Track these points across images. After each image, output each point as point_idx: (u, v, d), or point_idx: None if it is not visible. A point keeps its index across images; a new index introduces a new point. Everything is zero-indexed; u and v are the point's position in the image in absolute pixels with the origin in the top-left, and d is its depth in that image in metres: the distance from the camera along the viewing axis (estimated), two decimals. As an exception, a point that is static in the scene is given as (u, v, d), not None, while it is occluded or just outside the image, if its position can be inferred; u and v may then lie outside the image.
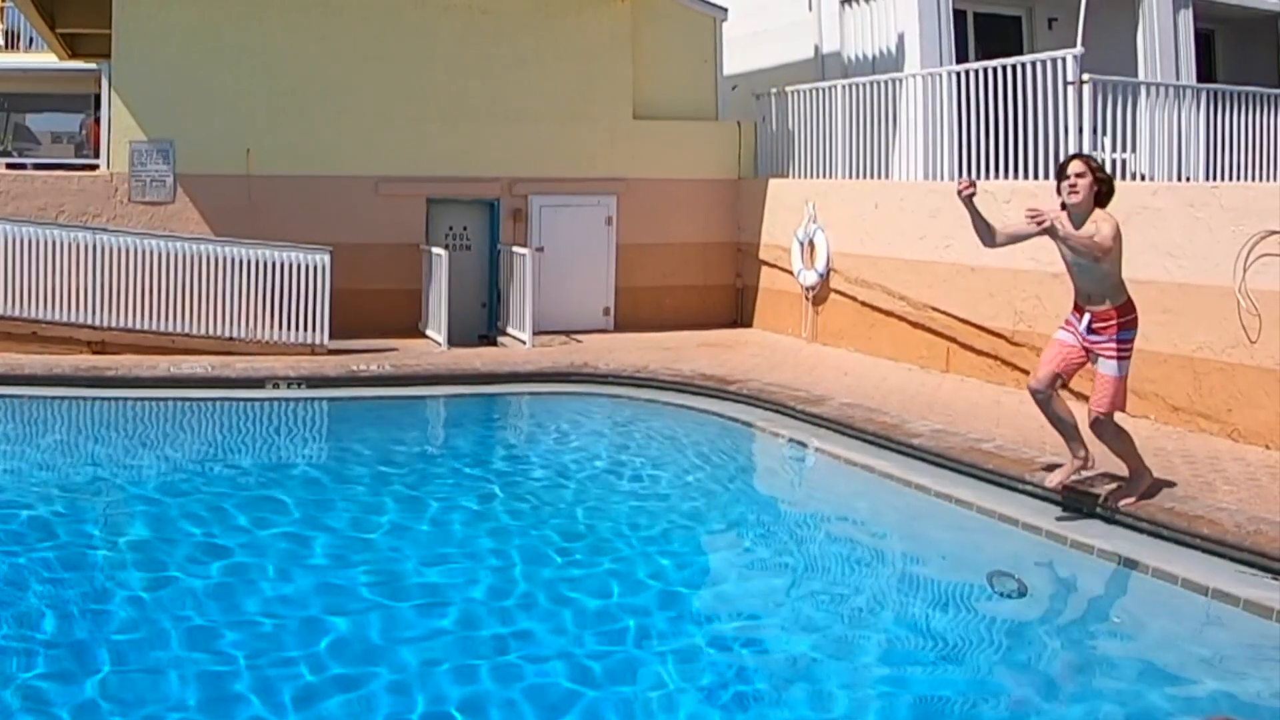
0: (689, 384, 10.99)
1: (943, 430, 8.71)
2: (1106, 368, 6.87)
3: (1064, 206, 6.95)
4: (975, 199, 7.02)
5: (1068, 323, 7.13)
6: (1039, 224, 6.57)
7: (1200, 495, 7.02)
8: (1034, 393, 7.09)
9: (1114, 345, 6.86)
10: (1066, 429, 7.08)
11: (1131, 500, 6.88)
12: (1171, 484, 7.20)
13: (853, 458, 8.68)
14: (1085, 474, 7.18)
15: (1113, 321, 6.87)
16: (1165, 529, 6.55)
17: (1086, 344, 6.96)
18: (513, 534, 7.38)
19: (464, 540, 7.25)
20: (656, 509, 8.05)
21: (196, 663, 5.31)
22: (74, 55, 18.03)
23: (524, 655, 5.51)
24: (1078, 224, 6.85)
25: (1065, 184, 6.91)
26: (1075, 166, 6.94)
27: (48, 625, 5.68)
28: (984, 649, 5.82)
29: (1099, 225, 6.80)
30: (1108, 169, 7.57)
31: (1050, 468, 7.47)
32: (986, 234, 7.23)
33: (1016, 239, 7.39)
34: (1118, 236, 6.80)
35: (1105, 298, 6.90)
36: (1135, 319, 6.95)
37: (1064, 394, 7.27)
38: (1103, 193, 6.93)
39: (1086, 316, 6.95)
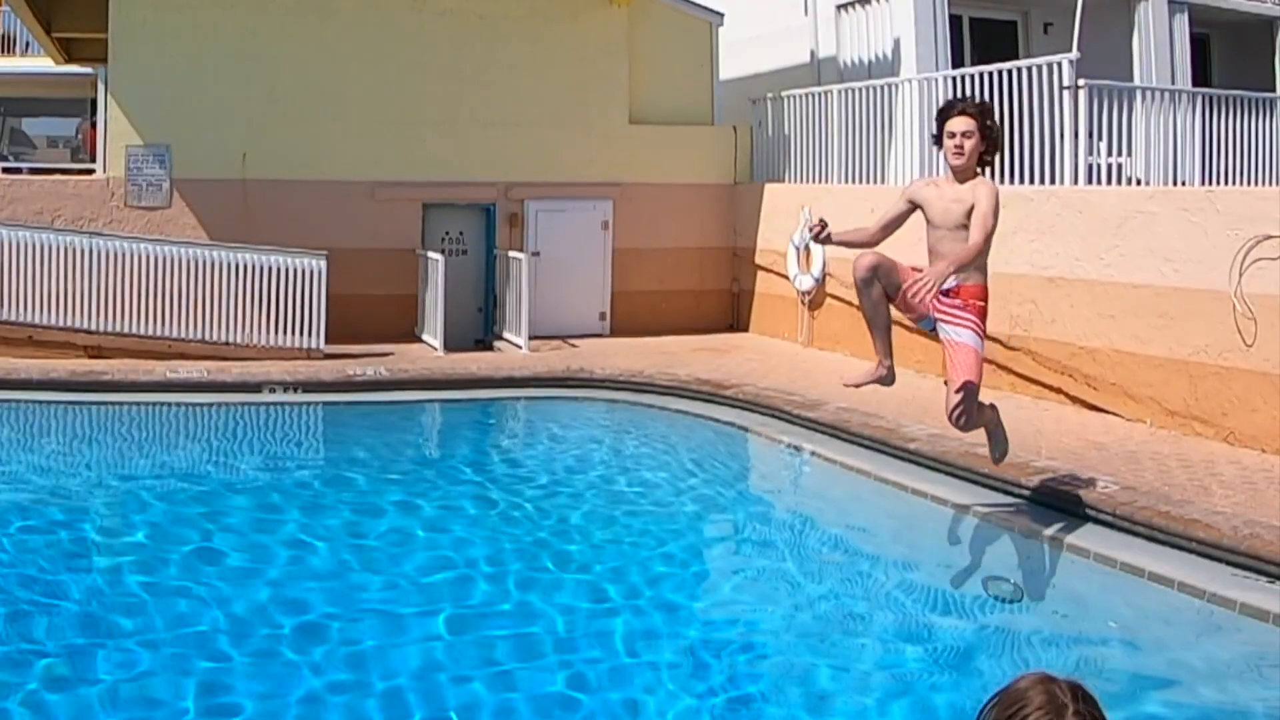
0: (685, 389, 10.99)
1: (939, 434, 8.69)
2: (965, 337, 6.22)
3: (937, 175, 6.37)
4: (829, 229, 6.33)
5: None
6: (913, 293, 5.86)
7: (1196, 499, 7.02)
8: (861, 269, 6.21)
9: (973, 320, 6.24)
10: (880, 325, 6.37)
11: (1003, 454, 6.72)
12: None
13: (849, 462, 8.68)
14: (883, 385, 6.65)
15: (973, 301, 6.26)
16: (1161, 533, 6.54)
17: (935, 304, 6.24)
18: (509, 539, 7.37)
19: (459, 545, 7.24)
20: (652, 513, 8.04)
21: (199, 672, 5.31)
22: (70, 60, 18.03)
23: (516, 662, 5.51)
24: (960, 184, 6.21)
25: (950, 142, 6.12)
26: (961, 124, 6.13)
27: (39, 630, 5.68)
28: (980, 652, 5.82)
29: (976, 194, 6.07)
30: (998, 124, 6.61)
31: (1043, 472, 7.47)
32: (861, 243, 6.55)
33: (890, 229, 6.56)
34: (997, 210, 6.08)
35: (968, 273, 6.21)
36: (988, 306, 6.40)
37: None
38: (988, 150, 6.22)
39: (949, 282, 6.21)
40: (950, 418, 6.24)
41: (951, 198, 6.18)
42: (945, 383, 6.32)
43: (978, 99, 6.50)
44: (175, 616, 5.93)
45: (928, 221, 6.30)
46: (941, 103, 11.90)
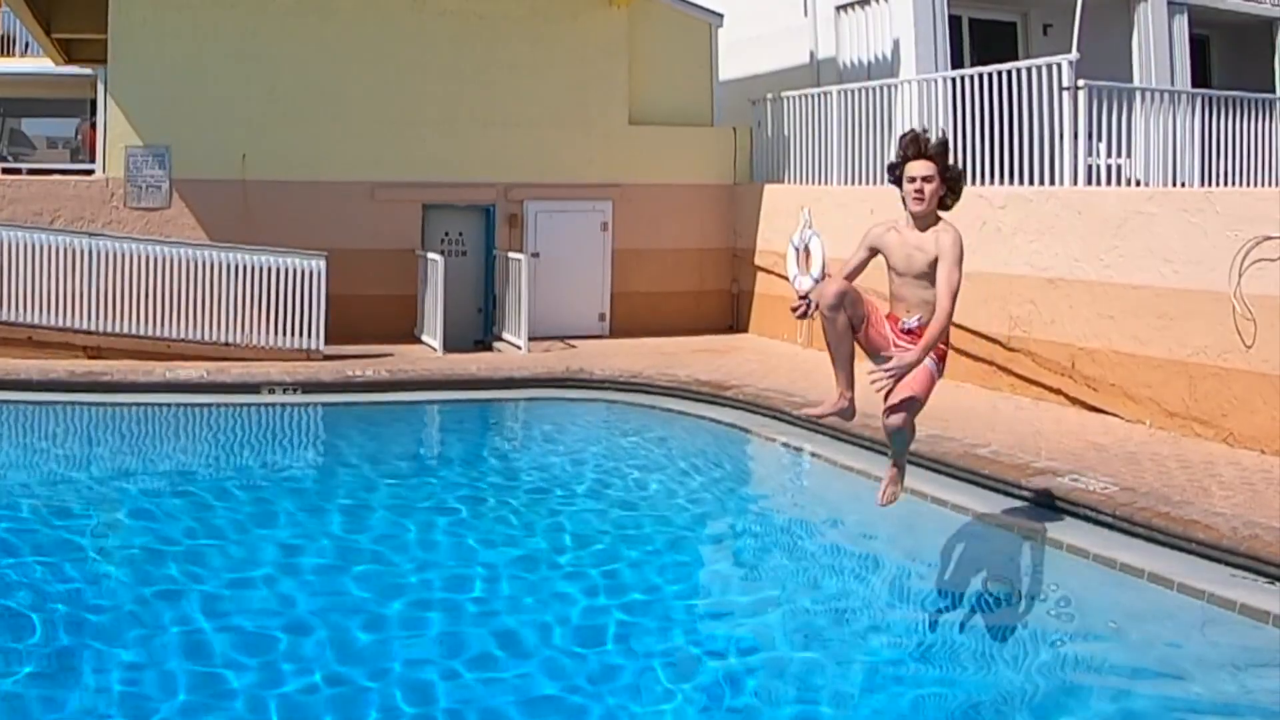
0: (684, 389, 10.99)
1: (938, 436, 8.69)
2: (924, 361, 5.88)
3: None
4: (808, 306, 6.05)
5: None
6: (879, 385, 5.73)
7: (1196, 500, 7.03)
8: (828, 296, 5.88)
9: (932, 355, 5.93)
10: (843, 357, 6.08)
11: (894, 494, 6.37)
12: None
13: (848, 463, 8.67)
14: (844, 419, 6.37)
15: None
16: (1161, 533, 6.55)
17: (896, 339, 6.01)
18: (508, 540, 7.37)
19: (457, 547, 7.24)
20: (651, 515, 8.04)
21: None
22: (70, 60, 18.02)
23: (508, 663, 5.51)
24: (921, 229, 5.94)
25: (910, 187, 5.84)
26: (921, 168, 5.82)
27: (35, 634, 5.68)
28: (980, 654, 5.82)
29: (940, 244, 5.83)
30: (958, 165, 6.08)
31: (1043, 474, 7.47)
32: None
33: (855, 276, 6.21)
34: (962, 261, 5.82)
35: (929, 315, 5.92)
36: (948, 350, 6.13)
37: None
38: (949, 193, 5.92)
39: (910, 322, 6.04)
40: (885, 414, 5.99)
41: (914, 245, 5.93)
42: (885, 395, 6.00)
43: (936, 137, 6.05)
44: (173, 615, 5.93)
45: (890, 267, 6.09)
46: (943, 104, 12.10)
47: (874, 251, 6.16)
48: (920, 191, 5.82)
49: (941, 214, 5.97)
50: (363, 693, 5.14)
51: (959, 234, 5.87)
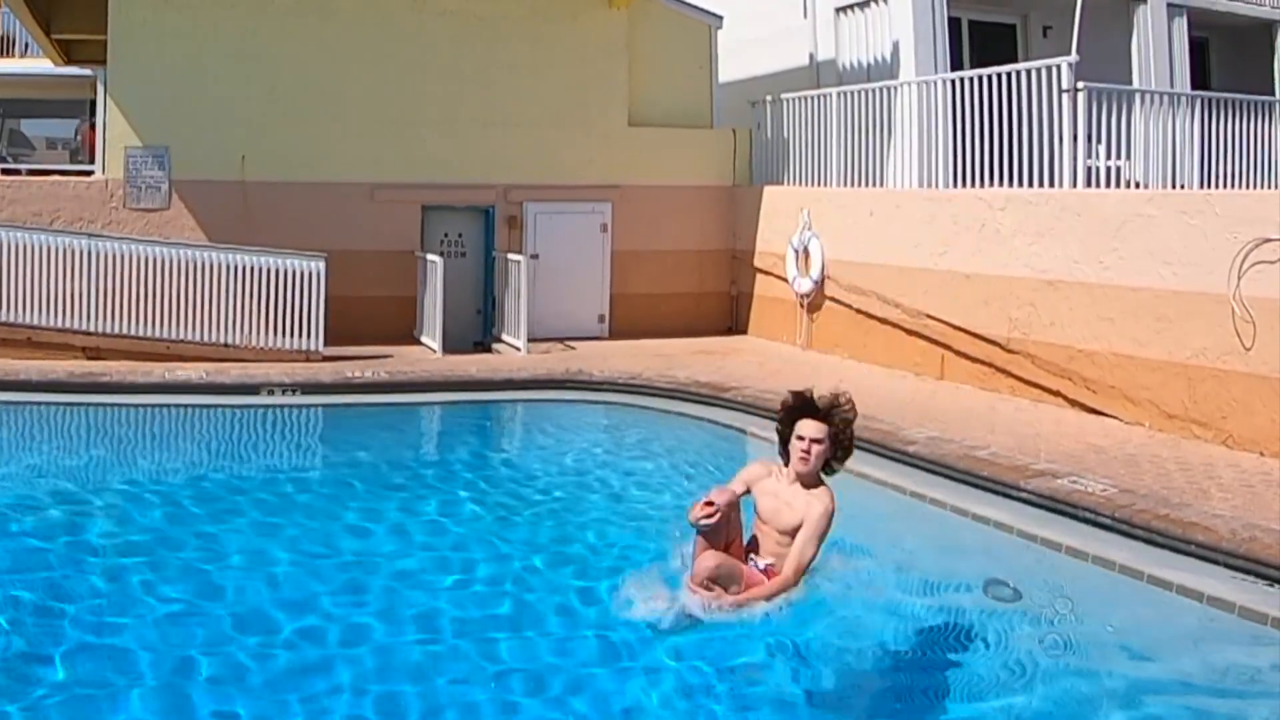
0: (684, 391, 10.99)
1: (938, 437, 8.71)
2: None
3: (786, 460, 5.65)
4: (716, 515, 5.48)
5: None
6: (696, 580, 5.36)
7: (1195, 502, 7.04)
8: (714, 507, 5.40)
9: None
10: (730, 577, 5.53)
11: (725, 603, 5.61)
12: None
13: (847, 465, 8.64)
14: None
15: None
16: (1160, 535, 6.55)
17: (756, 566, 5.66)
18: (506, 542, 7.37)
19: (457, 548, 7.24)
20: (650, 516, 8.03)
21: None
22: (69, 61, 18.04)
23: (513, 666, 5.51)
24: (803, 484, 5.69)
25: (798, 444, 5.59)
26: (813, 429, 5.59)
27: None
28: (977, 656, 5.81)
29: (810, 512, 5.55)
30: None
31: (1042, 475, 7.46)
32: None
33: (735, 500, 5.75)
34: (824, 533, 5.54)
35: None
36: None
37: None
38: (836, 457, 5.71)
39: (761, 563, 5.75)
40: (693, 581, 5.56)
41: (785, 500, 5.68)
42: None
43: (840, 397, 5.76)
44: (170, 614, 5.93)
45: (756, 509, 5.75)
46: (942, 105, 12.09)
47: (748, 489, 5.86)
48: (807, 452, 5.57)
49: (824, 477, 5.68)
50: (362, 695, 5.14)
51: (832, 506, 5.59)
